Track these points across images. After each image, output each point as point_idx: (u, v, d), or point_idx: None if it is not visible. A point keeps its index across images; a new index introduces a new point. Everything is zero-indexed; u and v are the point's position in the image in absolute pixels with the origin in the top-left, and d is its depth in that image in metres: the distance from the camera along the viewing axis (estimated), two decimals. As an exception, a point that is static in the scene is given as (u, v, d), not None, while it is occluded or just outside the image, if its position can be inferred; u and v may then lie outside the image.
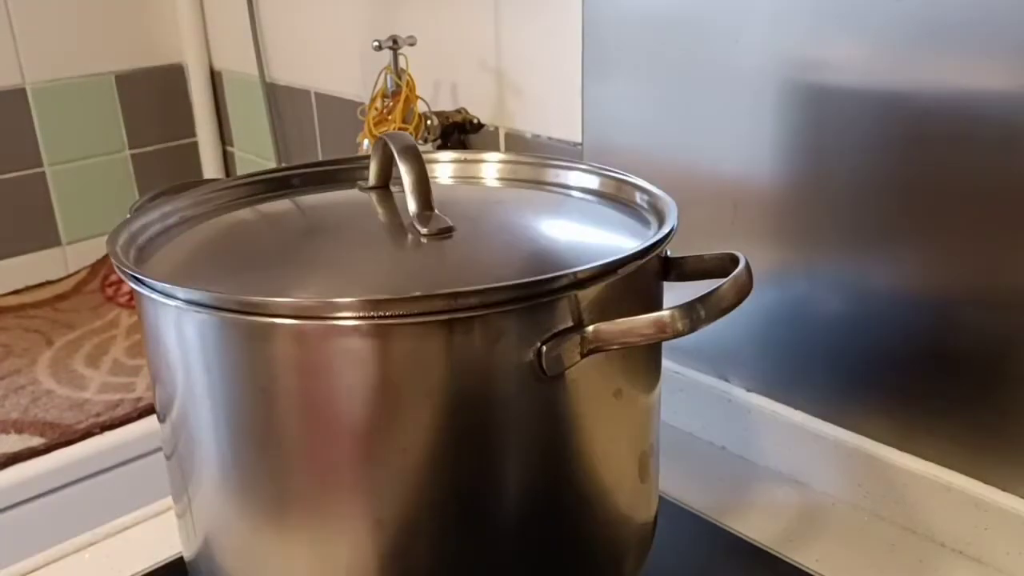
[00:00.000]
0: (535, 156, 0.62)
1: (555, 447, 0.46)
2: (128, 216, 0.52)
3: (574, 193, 0.59)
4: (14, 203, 1.43)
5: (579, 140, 0.84)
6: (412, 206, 0.50)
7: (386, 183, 0.58)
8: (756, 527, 0.65)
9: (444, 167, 0.63)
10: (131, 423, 1.02)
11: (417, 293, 0.40)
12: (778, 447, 0.71)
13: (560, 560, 0.48)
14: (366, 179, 0.59)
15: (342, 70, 1.22)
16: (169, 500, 0.67)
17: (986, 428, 0.61)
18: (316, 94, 1.30)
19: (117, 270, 0.46)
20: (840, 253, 0.65)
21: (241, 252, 0.52)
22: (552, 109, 0.90)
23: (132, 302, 1.33)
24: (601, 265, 0.43)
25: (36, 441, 0.98)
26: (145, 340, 0.48)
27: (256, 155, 1.48)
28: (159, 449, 0.51)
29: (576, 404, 0.45)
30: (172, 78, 1.55)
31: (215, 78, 1.52)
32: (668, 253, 0.50)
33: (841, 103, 0.62)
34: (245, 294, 0.41)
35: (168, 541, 0.64)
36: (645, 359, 0.49)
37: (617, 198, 0.57)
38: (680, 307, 0.41)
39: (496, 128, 0.99)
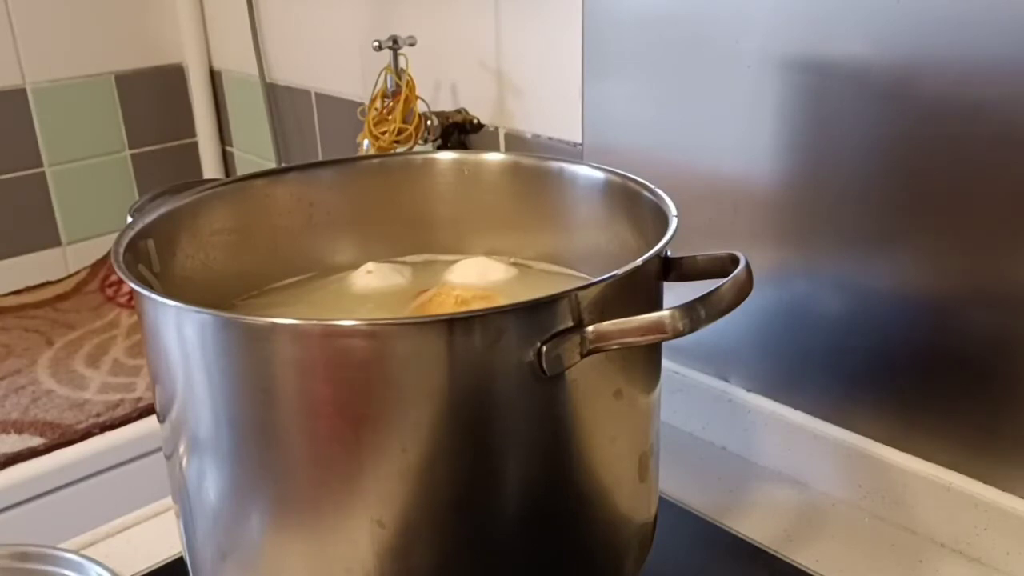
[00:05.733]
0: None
1: (555, 447, 0.46)
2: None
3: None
4: (14, 203, 1.43)
5: (579, 140, 0.84)
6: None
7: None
8: (756, 527, 0.65)
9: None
10: (131, 423, 1.02)
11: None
12: (778, 447, 0.71)
13: (560, 560, 0.48)
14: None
15: (342, 70, 1.22)
16: (169, 500, 0.67)
17: (986, 428, 0.60)
18: (316, 94, 1.30)
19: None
20: (840, 253, 0.65)
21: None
22: (552, 109, 0.90)
23: (132, 302, 1.33)
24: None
25: (36, 441, 0.98)
26: (145, 340, 0.48)
27: (256, 155, 1.48)
28: (159, 449, 0.51)
29: (576, 404, 0.45)
30: (172, 78, 1.55)
31: (215, 78, 1.52)
32: (668, 253, 0.50)
33: (841, 103, 0.62)
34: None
35: (168, 541, 0.64)
36: (645, 359, 0.49)
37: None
38: (680, 307, 0.41)
39: (496, 128, 0.99)
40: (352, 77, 1.19)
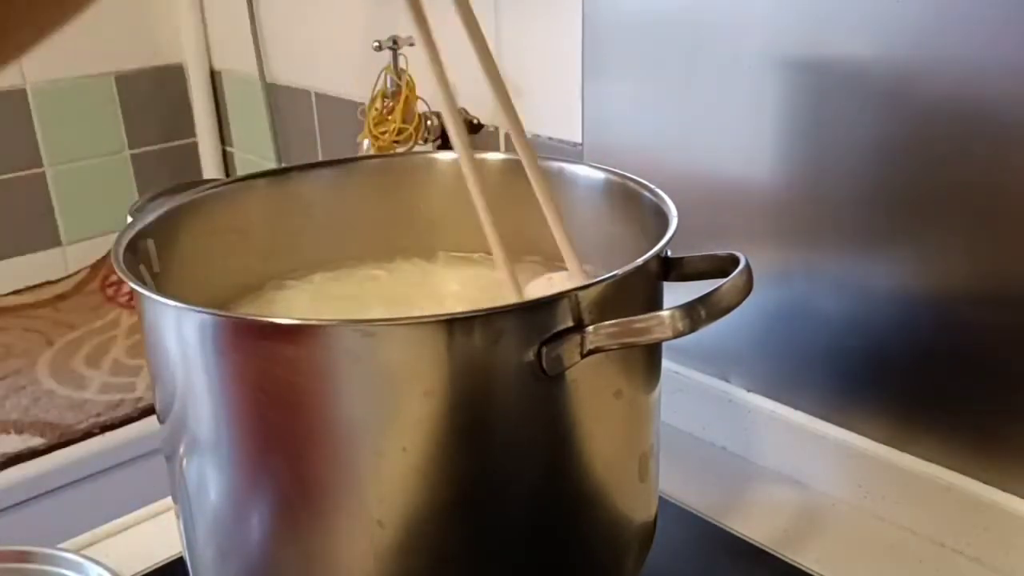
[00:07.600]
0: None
1: (555, 447, 0.46)
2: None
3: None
4: (14, 203, 1.43)
5: (579, 140, 0.84)
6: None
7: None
8: (756, 527, 0.65)
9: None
10: (131, 423, 1.02)
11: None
12: (778, 447, 0.71)
13: (560, 560, 0.48)
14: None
15: (342, 70, 1.22)
16: (169, 500, 0.67)
17: (986, 428, 0.60)
18: (316, 94, 1.30)
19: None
20: (840, 253, 0.65)
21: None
22: (552, 109, 0.90)
23: (132, 302, 1.33)
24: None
25: (36, 441, 0.98)
26: (145, 340, 0.48)
27: (256, 155, 1.48)
28: (159, 449, 0.51)
29: (576, 404, 0.45)
30: (172, 78, 1.55)
31: (215, 78, 1.52)
32: (668, 253, 0.50)
33: (841, 103, 0.62)
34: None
35: (168, 541, 0.64)
36: (645, 359, 0.49)
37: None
38: (680, 307, 0.41)
39: (496, 128, 0.99)
40: (352, 77, 1.19)
